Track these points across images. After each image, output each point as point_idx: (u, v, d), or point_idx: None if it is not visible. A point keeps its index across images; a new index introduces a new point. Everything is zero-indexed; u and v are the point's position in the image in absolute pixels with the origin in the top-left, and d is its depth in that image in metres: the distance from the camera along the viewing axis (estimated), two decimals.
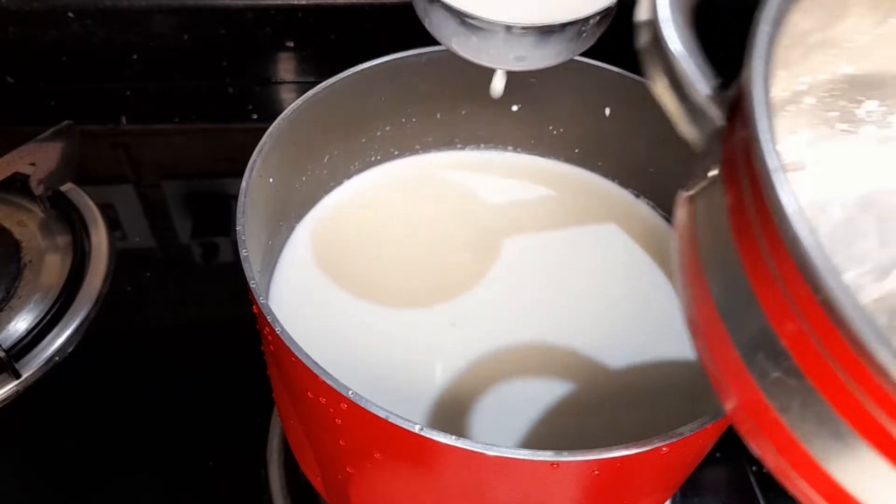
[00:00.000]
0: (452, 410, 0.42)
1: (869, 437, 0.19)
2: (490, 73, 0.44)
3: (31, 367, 0.50)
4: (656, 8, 0.26)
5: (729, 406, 0.24)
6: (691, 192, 0.26)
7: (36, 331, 0.51)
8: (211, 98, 0.71)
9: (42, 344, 0.51)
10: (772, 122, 0.21)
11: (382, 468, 0.35)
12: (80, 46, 0.67)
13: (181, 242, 0.60)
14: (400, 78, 0.48)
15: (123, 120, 0.69)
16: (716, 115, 0.25)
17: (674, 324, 0.46)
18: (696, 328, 0.25)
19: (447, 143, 0.55)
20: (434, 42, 0.40)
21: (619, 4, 0.38)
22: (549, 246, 0.51)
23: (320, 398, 0.33)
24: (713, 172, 0.24)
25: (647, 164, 0.51)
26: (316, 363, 0.32)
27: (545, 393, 0.42)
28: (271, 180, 0.44)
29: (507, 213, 0.52)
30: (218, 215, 0.62)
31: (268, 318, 0.34)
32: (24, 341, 0.51)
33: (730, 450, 0.43)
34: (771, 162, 0.20)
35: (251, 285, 0.36)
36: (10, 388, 0.49)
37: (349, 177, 0.53)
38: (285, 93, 0.71)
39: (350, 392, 0.32)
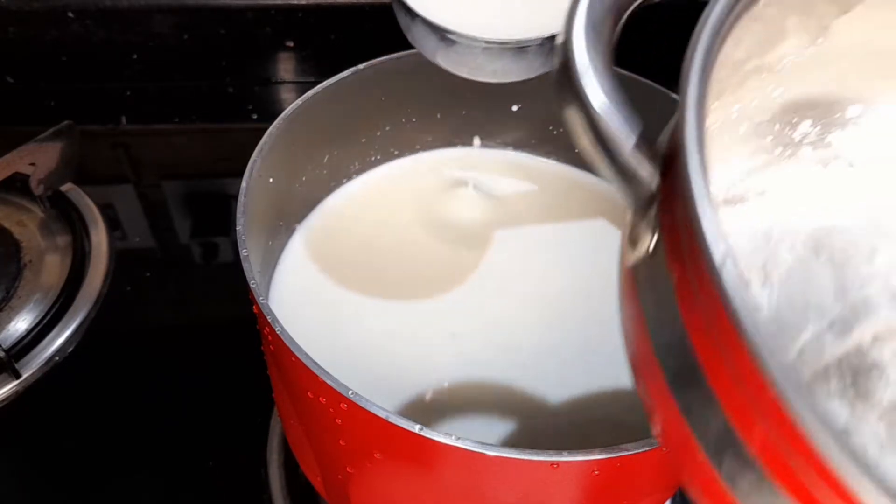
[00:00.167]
0: (453, 410, 0.42)
1: None
2: None
3: (31, 367, 0.50)
4: (572, 54, 0.23)
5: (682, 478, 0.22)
6: (632, 263, 0.23)
7: (36, 331, 0.51)
8: (211, 98, 0.70)
9: (42, 344, 0.51)
10: (710, 191, 0.19)
11: (382, 468, 0.35)
12: (80, 46, 0.67)
13: (181, 242, 0.60)
14: (400, 78, 0.48)
15: (123, 120, 0.69)
16: (648, 175, 0.22)
17: None
18: (647, 401, 0.23)
19: (447, 143, 0.55)
20: None
21: None
22: (549, 245, 0.51)
23: (320, 398, 0.33)
24: (653, 241, 0.22)
25: None
26: (316, 363, 0.32)
27: (546, 391, 0.42)
28: (271, 180, 0.44)
29: (508, 213, 0.52)
30: (218, 215, 0.62)
31: (268, 318, 0.34)
32: (24, 341, 0.51)
33: None
34: (714, 248, 0.18)
35: (251, 285, 0.36)
36: (10, 388, 0.49)
37: (349, 177, 0.53)
38: (285, 93, 0.71)
39: (350, 392, 0.32)
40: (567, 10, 0.23)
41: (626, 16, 0.25)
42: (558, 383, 0.43)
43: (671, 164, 0.21)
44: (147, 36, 0.68)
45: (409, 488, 0.36)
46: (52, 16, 0.65)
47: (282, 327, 0.34)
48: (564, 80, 0.23)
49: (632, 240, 0.23)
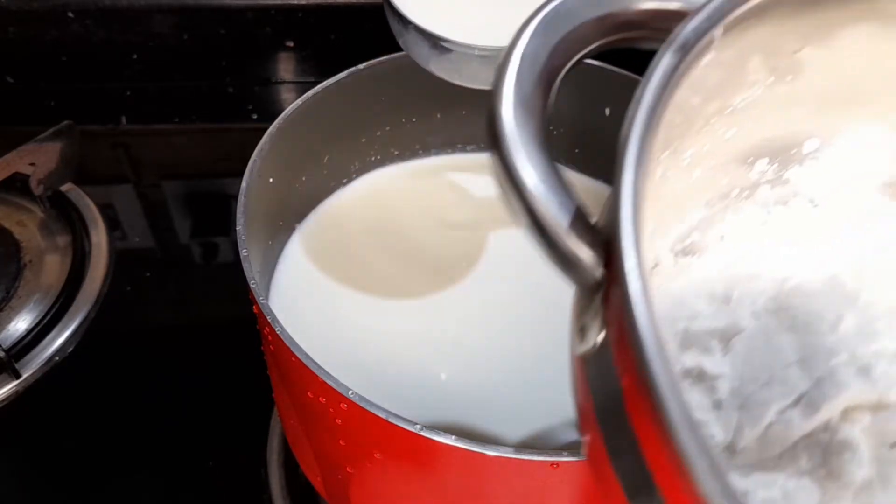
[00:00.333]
0: (454, 410, 0.42)
1: None
2: None
3: (31, 367, 0.50)
4: (502, 136, 0.21)
5: None
6: (580, 353, 0.22)
7: (36, 331, 0.51)
8: (211, 98, 0.70)
9: (42, 344, 0.51)
10: (649, 289, 0.18)
11: (382, 468, 0.35)
12: (80, 46, 0.67)
13: (181, 242, 0.60)
14: (400, 78, 0.48)
15: (123, 120, 0.69)
16: (591, 262, 0.21)
17: None
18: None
19: (447, 143, 0.55)
20: None
21: None
22: None
23: (320, 398, 0.33)
24: (600, 336, 0.20)
25: None
26: (316, 363, 0.32)
27: (548, 391, 0.42)
28: (271, 180, 0.44)
29: (507, 213, 0.52)
30: (218, 215, 0.62)
31: (268, 318, 0.34)
32: (24, 341, 0.51)
33: None
34: (655, 364, 0.17)
35: (251, 285, 0.36)
36: (10, 388, 0.49)
37: (349, 177, 0.53)
38: (285, 93, 0.71)
39: (350, 392, 0.32)
40: (492, 86, 0.22)
41: (559, 80, 0.24)
42: (561, 383, 0.43)
43: (611, 255, 0.20)
44: (147, 36, 0.67)
45: (409, 488, 0.36)
46: (52, 16, 0.65)
47: (282, 327, 0.34)
48: (496, 160, 0.22)
49: (580, 328, 0.21)
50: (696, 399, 0.23)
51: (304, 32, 0.68)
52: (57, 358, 0.51)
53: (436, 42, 0.38)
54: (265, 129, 0.43)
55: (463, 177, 0.54)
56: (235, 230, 0.38)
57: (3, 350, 0.48)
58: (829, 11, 0.23)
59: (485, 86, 0.39)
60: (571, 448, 0.30)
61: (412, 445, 0.32)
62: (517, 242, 0.50)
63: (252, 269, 0.36)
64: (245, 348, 0.44)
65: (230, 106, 0.71)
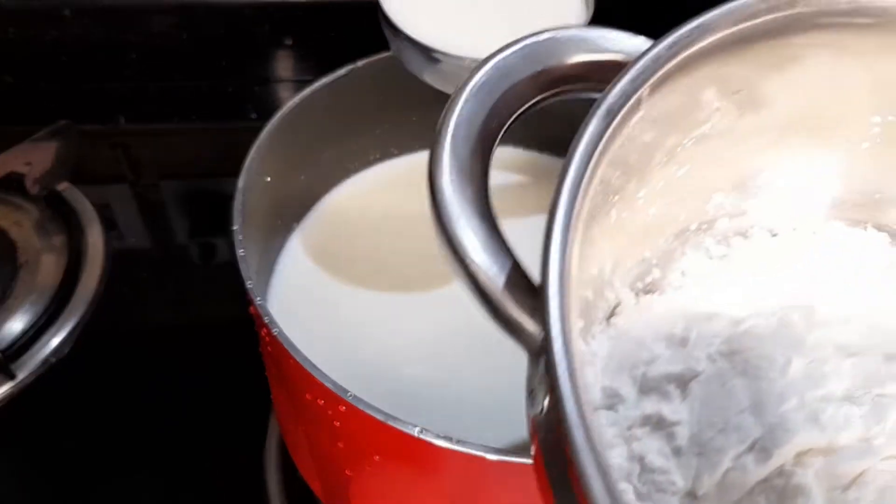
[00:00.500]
0: (455, 412, 0.41)
1: None
2: None
3: (27, 368, 0.49)
4: (440, 205, 0.22)
5: None
6: (532, 415, 0.22)
7: (31, 332, 0.51)
8: (209, 97, 0.70)
9: (37, 345, 0.51)
10: (573, 363, 0.18)
11: (381, 471, 0.35)
12: (79, 45, 0.67)
13: (178, 242, 0.60)
14: (398, 75, 0.48)
15: (121, 119, 0.68)
16: (533, 329, 0.21)
17: None
18: None
19: None
20: None
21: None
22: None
23: (318, 400, 0.33)
24: (546, 401, 0.20)
25: None
26: (314, 365, 0.32)
27: None
28: (269, 179, 0.43)
29: (509, 212, 0.52)
30: (215, 215, 0.61)
31: (265, 319, 0.34)
32: (20, 342, 0.50)
33: None
34: (577, 439, 0.17)
35: (248, 286, 0.35)
36: (5, 390, 0.48)
37: (348, 176, 0.53)
38: (284, 91, 0.71)
39: (349, 394, 0.31)
40: (429, 153, 0.23)
41: (499, 139, 0.24)
42: None
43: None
44: (145, 35, 0.67)
45: (408, 491, 0.36)
46: (51, 15, 0.65)
47: (279, 329, 0.33)
48: (436, 227, 0.22)
49: (529, 390, 0.22)
50: (655, 446, 0.24)
51: (303, 30, 0.68)
52: (53, 359, 0.50)
53: (428, 53, 0.38)
54: (264, 128, 0.43)
55: None
56: (232, 230, 0.37)
57: None
58: (767, 50, 0.24)
59: None
60: None
61: (411, 448, 0.31)
62: (518, 240, 0.50)
63: (249, 270, 0.36)
64: (243, 349, 0.44)
65: (229, 105, 0.70)
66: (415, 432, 0.30)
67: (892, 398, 0.24)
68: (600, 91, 0.21)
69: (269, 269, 0.47)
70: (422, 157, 0.54)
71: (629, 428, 0.24)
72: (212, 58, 0.69)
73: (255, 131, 0.43)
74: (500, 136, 0.24)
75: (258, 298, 0.35)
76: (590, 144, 0.20)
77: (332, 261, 0.48)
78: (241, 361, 0.45)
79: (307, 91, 0.45)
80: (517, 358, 0.44)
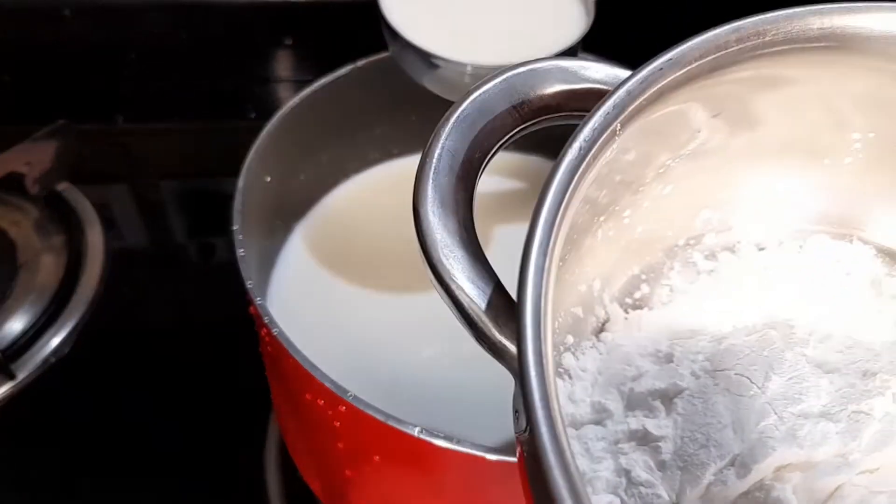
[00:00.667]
0: (455, 412, 0.41)
1: None
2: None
3: (27, 368, 0.49)
4: (424, 236, 0.23)
5: None
6: (516, 432, 0.22)
7: (31, 332, 0.51)
8: (208, 96, 0.70)
9: (37, 345, 0.50)
10: (550, 391, 0.18)
11: (382, 471, 0.35)
12: (77, 45, 0.67)
13: (178, 242, 0.60)
14: (399, 76, 0.48)
15: (120, 119, 0.68)
16: (516, 353, 0.21)
17: None
18: None
19: None
20: None
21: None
22: None
23: (319, 400, 0.33)
24: (528, 427, 0.20)
25: None
26: (314, 365, 0.32)
27: None
28: (269, 179, 0.43)
29: (510, 212, 0.52)
30: (215, 214, 0.61)
31: (265, 319, 0.34)
32: (20, 342, 0.50)
33: None
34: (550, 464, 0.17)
35: (247, 286, 0.35)
36: (5, 390, 0.48)
37: (348, 176, 0.52)
38: (283, 91, 0.71)
39: (349, 394, 0.31)
40: (414, 185, 0.24)
41: (482, 170, 0.25)
42: None
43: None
44: (145, 35, 0.67)
45: (408, 491, 0.36)
46: (50, 14, 0.65)
47: (279, 328, 0.33)
48: (423, 255, 0.23)
49: (515, 409, 0.22)
50: (641, 460, 0.24)
51: (303, 30, 0.68)
52: (52, 359, 0.50)
53: (428, 59, 0.39)
54: (263, 128, 0.42)
55: None
56: (232, 230, 0.37)
57: None
58: (741, 76, 0.24)
59: None
60: None
61: (411, 448, 0.31)
62: (514, 238, 0.50)
63: (249, 270, 0.36)
64: (243, 349, 0.44)
65: (228, 104, 0.70)
66: (415, 432, 0.30)
67: (868, 415, 0.24)
68: (580, 119, 0.22)
69: (269, 270, 0.47)
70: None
71: (616, 442, 0.25)
72: (211, 57, 0.69)
73: (255, 131, 0.43)
74: (483, 166, 0.25)
75: (258, 298, 0.35)
76: (566, 174, 0.21)
77: (333, 260, 0.48)
78: (241, 362, 0.45)
79: (307, 91, 0.45)
80: None
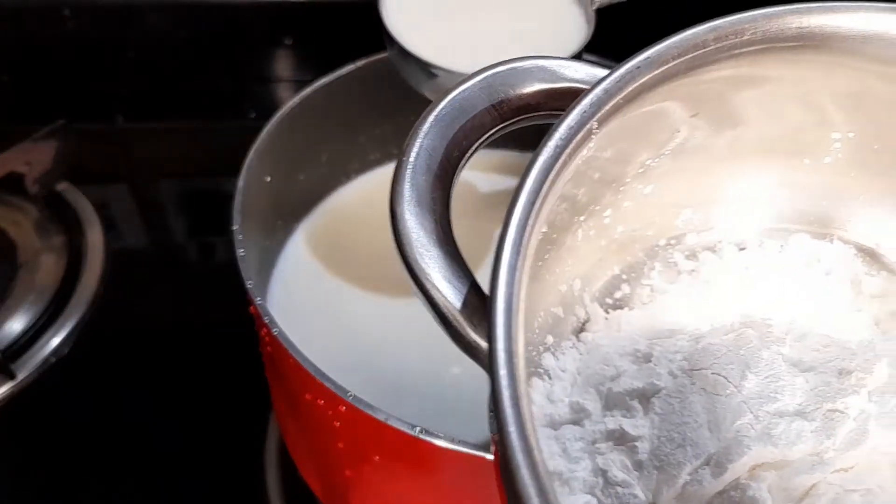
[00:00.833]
0: (456, 413, 0.41)
1: None
2: None
3: (27, 368, 0.49)
4: (399, 233, 0.23)
5: None
6: (492, 433, 0.22)
7: (31, 331, 0.51)
8: (208, 96, 0.70)
9: (37, 345, 0.51)
10: (520, 391, 0.18)
11: (382, 471, 0.35)
12: (77, 45, 0.67)
13: (178, 242, 0.60)
14: (399, 76, 0.48)
15: (120, 119, 0.68)
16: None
17: None
18: None
19: None
20: None
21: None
22: None
23: (319, 400, 0.33)
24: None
25: None
26: (314, 365, 0.32)
27: None
28: (269, 179, 0.43)
29: (494, 210, 0.52)
30: (215, 215, 0.61)
31: (264, 319, 0.34)
32: (20, 342, 0.50)
33: None
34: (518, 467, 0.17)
35: (247, 286, 0.35)
36: (5, 390, 0.48)
37: (348, 175, 0.52)
38: (283, 91, 0.71)
39: (349, 394, 0.31)
40: (391, 184, 0.24)
41: (460, 168, 0.25)
42: None
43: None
44: (144, 34, 0.67)
45: (408, 491, 0.36)
46: (50, 14, 0.65)
47: (279, 328, 0.33)
48: (399, 255, 0.23)
49: (489, 413, 0.22)
50: (618, 460, 0.24)
51: (303, 30, 0.68)
52: (52, 359, 0.50)
53: (427, 68, 0.38)
54: (263, 128, 0.42)
55: (464, 173, 0.54)
56: (232, 230, 0.37)
57: None
58: (720, 75, 0.24)
59: None
60: None
61: (411, 448, 0.31)
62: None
63: (249, 270, 0.36)
64: (243, 349, 0.44)
65: (228, 104, 0.70)
66: (415, 432, 0.30)
67: (843, 413, 0.24)
68: (557, 118, 0.22)
69: (269, 269, 0.47)
70: None
71: (594, 442, 0.25)
72: (211, 57, 0.69)
73: (255, 131, 0.43)
74: (462, 165, 0.25)
75: (258, 298, 0.35)
76: (541, 172, 0.21)
77: (333, 261, 0.48)
78: (241, 362, 0.45)
79: (307, 91, 0.45)
80: None
